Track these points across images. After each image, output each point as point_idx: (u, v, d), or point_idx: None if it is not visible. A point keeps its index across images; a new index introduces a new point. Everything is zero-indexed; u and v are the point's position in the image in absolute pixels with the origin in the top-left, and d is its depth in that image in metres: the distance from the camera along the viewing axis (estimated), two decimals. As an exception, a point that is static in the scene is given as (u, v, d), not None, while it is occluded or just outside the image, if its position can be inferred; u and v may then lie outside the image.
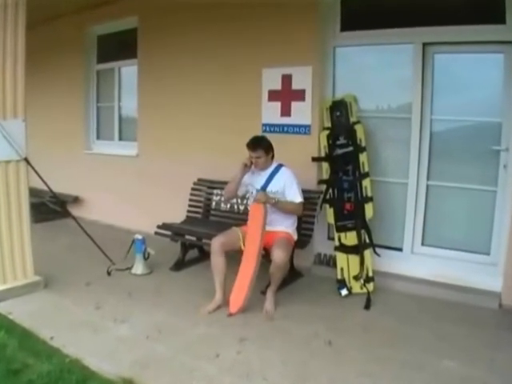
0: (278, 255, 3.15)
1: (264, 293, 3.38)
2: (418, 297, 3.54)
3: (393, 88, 3.91)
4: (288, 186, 3.41)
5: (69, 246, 4.75)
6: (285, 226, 3.47)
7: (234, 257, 3.38)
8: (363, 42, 3.93)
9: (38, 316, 3.10)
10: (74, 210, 5.12)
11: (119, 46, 5.73)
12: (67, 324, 2.99)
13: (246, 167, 3.45)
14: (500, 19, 3.32)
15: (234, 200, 4.31)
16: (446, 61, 3.67)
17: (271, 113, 4.27)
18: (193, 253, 4.32)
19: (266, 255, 3.32)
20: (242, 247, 3.33)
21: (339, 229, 3.81)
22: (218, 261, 3.29)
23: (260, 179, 3.49)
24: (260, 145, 3.42)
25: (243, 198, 4.10)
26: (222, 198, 4.32)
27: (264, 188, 3.43)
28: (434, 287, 3.58)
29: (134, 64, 5.39)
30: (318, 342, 2.84)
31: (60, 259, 4.28)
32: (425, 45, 3.63)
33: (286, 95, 4.17)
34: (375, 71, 3.98)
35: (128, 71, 5.70)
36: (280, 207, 3.38)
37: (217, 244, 3.31)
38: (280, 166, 3.50)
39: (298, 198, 3.41)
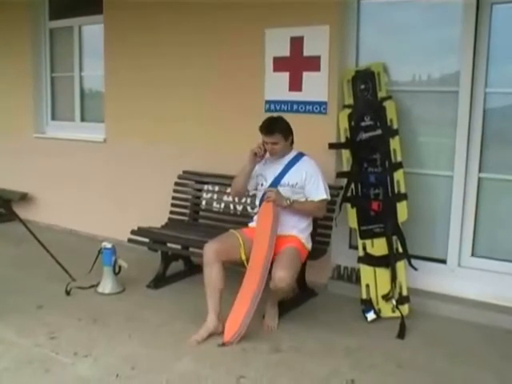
0: (280, 277, 3.12)
1: (267, 317, 3.40)
2: (468, 323, 3.53)
3: (435, 53, 3.89)
4: (310, 179, 3.45)
5: (14, 257, 4.74)
6: (297, 231, 3.47)
7: (230, 269, 3.35)
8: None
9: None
10: (23, 212, 5.08)
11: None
12: (10, 361, 2.94)
13: (257, 156, 3.48)
14: None
15: (230, 198, 4.30)
16: (509, 14, 3.61)
17: (277, 86, 4.27)
18: (177, 265, 4.32)
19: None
20: (243, 257, 3.32)
21: (364, 235, 3.83)
22: (212, 273, 3.26)
23: (274, 169, 3.53)
24: (277, 127, 3.45)
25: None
26: (227, 196, 4.33)
27: (278, 180, 3.45)
28: (489, 311, 3.57)
29: (99, 21, 5.36)
30: (337, 382, 2.81)
31: (2, 275, 4.25)
32: (480, -8, 3.60)
33: (296, 64, 4.17)
34: (412, 31, 3.96)
35: (92, 31, 5.68)
36: (297, 209, 3.40)
37: (211, 252, 3.28)
38: (301, 155, 3.55)
39: (321, 194, 3.45)
